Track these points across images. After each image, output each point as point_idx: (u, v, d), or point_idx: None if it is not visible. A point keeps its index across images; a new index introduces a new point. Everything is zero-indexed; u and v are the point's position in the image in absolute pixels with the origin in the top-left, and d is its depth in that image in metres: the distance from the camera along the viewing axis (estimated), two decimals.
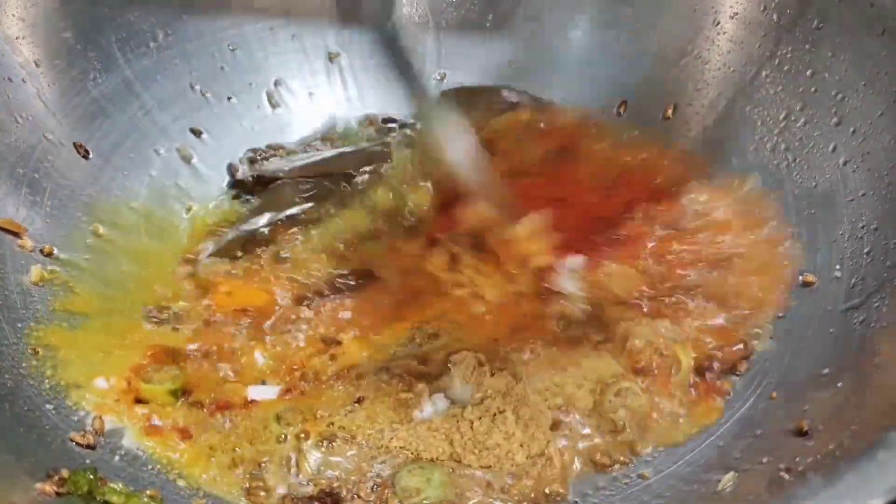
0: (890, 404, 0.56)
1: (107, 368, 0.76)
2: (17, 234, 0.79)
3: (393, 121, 1.06)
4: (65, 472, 0.62)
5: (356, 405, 0.74)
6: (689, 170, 0.90)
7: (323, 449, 0.71)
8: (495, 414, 0.72)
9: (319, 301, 0.84)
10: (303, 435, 0.72)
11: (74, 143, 0.87)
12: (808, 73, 0.84)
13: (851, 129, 0.78)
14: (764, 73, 0.88)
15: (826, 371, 0.66)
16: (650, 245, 0.83)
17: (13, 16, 0.85)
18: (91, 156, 0.89)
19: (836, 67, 0.81)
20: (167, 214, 0.94)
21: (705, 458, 0.67)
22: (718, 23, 0.93)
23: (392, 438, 0.71)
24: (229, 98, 1.02)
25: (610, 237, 0.84)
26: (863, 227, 0.73)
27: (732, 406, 0.71)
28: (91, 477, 0.63)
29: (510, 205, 0.79)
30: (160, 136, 0.96)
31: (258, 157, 1.00)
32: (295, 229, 0.92)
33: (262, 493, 0.68)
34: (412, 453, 0.70)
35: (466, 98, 1.05)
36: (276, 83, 1.06)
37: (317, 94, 1.08)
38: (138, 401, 0.75)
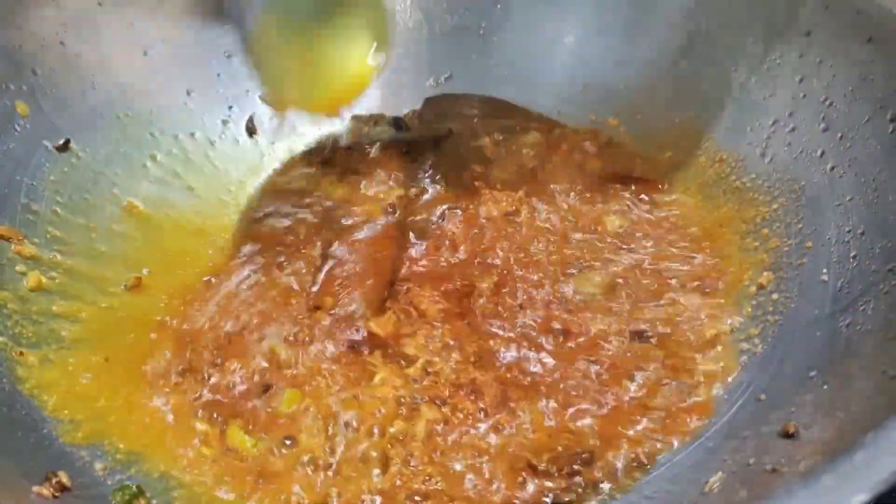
0: (872, 407, 0.57)
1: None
2: (14, 241, 0.80)
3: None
4: (62, 476, 0.63)
5: None
6: None
7: None
8: None
9: None
10: None
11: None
12: (797, 79, 0.85)
13: (839, 135, 0.79)
14: (753, 80, 0.89)
15: (813, 374, 0.67)
16: None
17: (10, 24, 0.86)
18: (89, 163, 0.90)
19: (823, 74, 0.82)
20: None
21: (693, 460, 0.68)
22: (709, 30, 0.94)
23: None
24: (229, 107, 1.04)
25: None
26: (849, 231, 0.74)
27: (721, 409, 0.72)
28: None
29: None
30: (157, 141, 0.98)
31: None
32: None
33: None
34: None
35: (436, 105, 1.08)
36: None
37: None
38: None
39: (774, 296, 0.78)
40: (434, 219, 0.93)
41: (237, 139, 1.04)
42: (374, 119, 1.09)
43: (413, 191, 0.98)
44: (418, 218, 0.94)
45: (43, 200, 0.85)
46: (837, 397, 0.63)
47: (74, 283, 0.83)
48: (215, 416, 0.76)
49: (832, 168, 0.79)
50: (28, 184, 0.84)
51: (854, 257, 0.73)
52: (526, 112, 1.06)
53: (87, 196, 0.89)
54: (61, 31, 0.90)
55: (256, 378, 0.78)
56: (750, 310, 0.79)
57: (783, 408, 0.66)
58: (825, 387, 0.65)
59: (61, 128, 0.89)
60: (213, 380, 0.78)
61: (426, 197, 0.96)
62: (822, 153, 0.80)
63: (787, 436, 0.62)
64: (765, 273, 0.80)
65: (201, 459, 0.72)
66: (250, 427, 0.75)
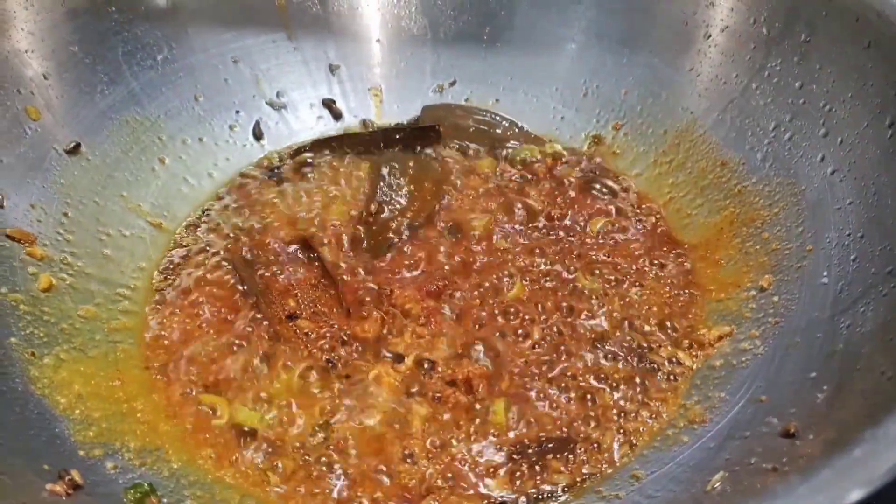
0: (870, 407, 0.58)
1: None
2: (26, 243, 0.81)
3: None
4: (75, 474, 0.63)
5: None
6: None
7: None
8: None
9: None
10: None
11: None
12: (797, 84, 0.86)
13: (839, 140, 0.80)
14: (754, 85, 0.90)
15: (813, 375, 0.68)
16: None
17: (22, 30, 0.88)
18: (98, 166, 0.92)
19: (823, 79, 0.83)
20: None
21: (696, 460, 0.69)
22: (709, 35, 0.95)
23: None
24: (237, 111, 1.05)
25: None
26: (849, 234, 0.75)
27: (723, 409, 0.73)
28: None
29: None
30: (165, 146, 0.99)
31: None
32: None
33: None
34: None
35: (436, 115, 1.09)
36: (279, 94, 1.08)
37: (318, 105, 1.10)
38: None
39: (775, 298, 0.79)
40: (404, 227, 0.94)
41: (244, 144, 1.05)
42: (370, 124, 1.11)
43: (383, 198, 0.98)
44: (389, 225, 0.95)
45: (53, 203, 0.86)
46: (837, 398, 0.64)
47: (85, 285, 0.84)
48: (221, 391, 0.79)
49: (832, 172, 0.80)
50: (39, 186, 0.86)
51: (854, 260, 0.73)
52: (520, 128, 1.08)
53: (97, 199, 0.91)
54: (72, 37, 0.91)
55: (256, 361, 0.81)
56: (751, 312, 0.80)
57: (784, 408, 0.67)
58: (825, 387, 0.65)
59: (71, 132, 0.90)
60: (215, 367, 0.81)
61: (398, 206, 0.97)
62: (823, 157, 0.81)
63: (788, 435, 0.63)
64: (766, 275, 0.81)
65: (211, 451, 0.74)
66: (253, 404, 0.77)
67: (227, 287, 0.88)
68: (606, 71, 1.04)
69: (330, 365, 0.80)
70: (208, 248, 0.93)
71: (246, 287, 0.87)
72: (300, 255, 0.91)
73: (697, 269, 0.89)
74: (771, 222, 0.84)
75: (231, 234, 0.95)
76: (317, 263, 0.90)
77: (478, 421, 0.75)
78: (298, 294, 0.86)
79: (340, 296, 0.86)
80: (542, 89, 1.09)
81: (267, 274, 0.89)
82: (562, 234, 0.93)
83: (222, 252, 0.92)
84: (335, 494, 0.71)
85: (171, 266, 0.92)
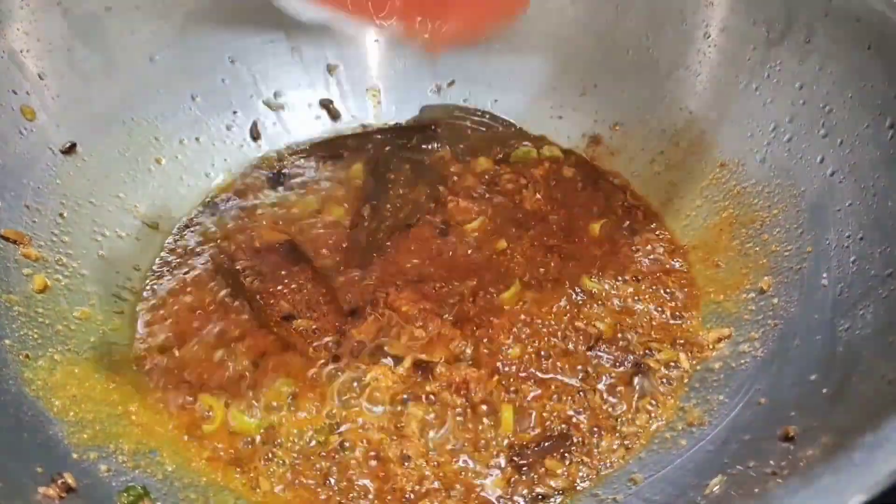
0: (870, 411, 0.57)
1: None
2: (21, 244, 0.81)
3: None
4: (68, 477, 0.63)
5: None
6: None
7: None
8: None
9: None
10: None
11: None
12: (797, 85, 0.85)
13: (839, 141, 0.79)
14: (754, 86, 0.90)
15: (812, 378, 0.67)
16: None
17: (18, 29, 0.87)
18: (94, 166, 0.91)
19: (823, 80, 0.82)
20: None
21: (694, 463, 0.68)
22: (709, 36, 0.94)
23: None
24: (234, 112, 1.05)
25: None
26: (849, 236, 0.75)
27: (722, 412, 0.73)
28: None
29: None
30: (162, 146, 0.99)
31: None
32: None
33: None
34: None
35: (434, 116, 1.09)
36: (276, 94, 1.08)
37: (315, 105, 1.10)
38: None
39: (775, 300, 0.79)
40: (400, 228, 0.94)
41: (241, 144, 1.05)
42: (368, 125, 1.10)
43: (380, 199, 0.98)
44: (385, 226, 0.95)
45: (49, 204, 0.86)
46: (837, 401, 0.63)
47: (80, 286, 0.84)
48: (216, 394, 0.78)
49: (832, 173, 0.79)
50: (34, 187, 0.85)
51: (854, 262, 0.73)
52: (518, 128, 1.08)
53: (93, 200, 0.90)
54: (68, 37, 0.91)
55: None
56: (750, 314, 0.80)
57: (783, 411, 0.66)
58: (825, 391, 0.65)
59: (67, 132, 0.90)
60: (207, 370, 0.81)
61: (394, 207, 0.97)
62: (822, 159, 0.81)
63: (787, 439, 0.62)
64: (765, 277, 0.81)
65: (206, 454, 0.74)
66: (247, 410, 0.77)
67: (222, 289, 0.88)
68: (604, 71, 1.04)
69: (327, 366, 0.80)
70: (203, 250, 0.93)
71: (236, 290, 0.87)
72: (293, 257, 0.90)
73: (696, 270, 0.89)
74: (770, 224, 0.84)
75: (226, 236, 0.94)
76: (308, 267, 0.89)
77: (475, 423, 0.75)
78: (290, 296, 0.86)
79: (335, 298, 0.85)
80: (540, 89, 1.08)
81: (257, 278, 0.88)
82: (559, 235, 0.93)
83: (214, 254, 0.92)
84: (331, 497, 0.70)
85: (167, 267, 0.91)
